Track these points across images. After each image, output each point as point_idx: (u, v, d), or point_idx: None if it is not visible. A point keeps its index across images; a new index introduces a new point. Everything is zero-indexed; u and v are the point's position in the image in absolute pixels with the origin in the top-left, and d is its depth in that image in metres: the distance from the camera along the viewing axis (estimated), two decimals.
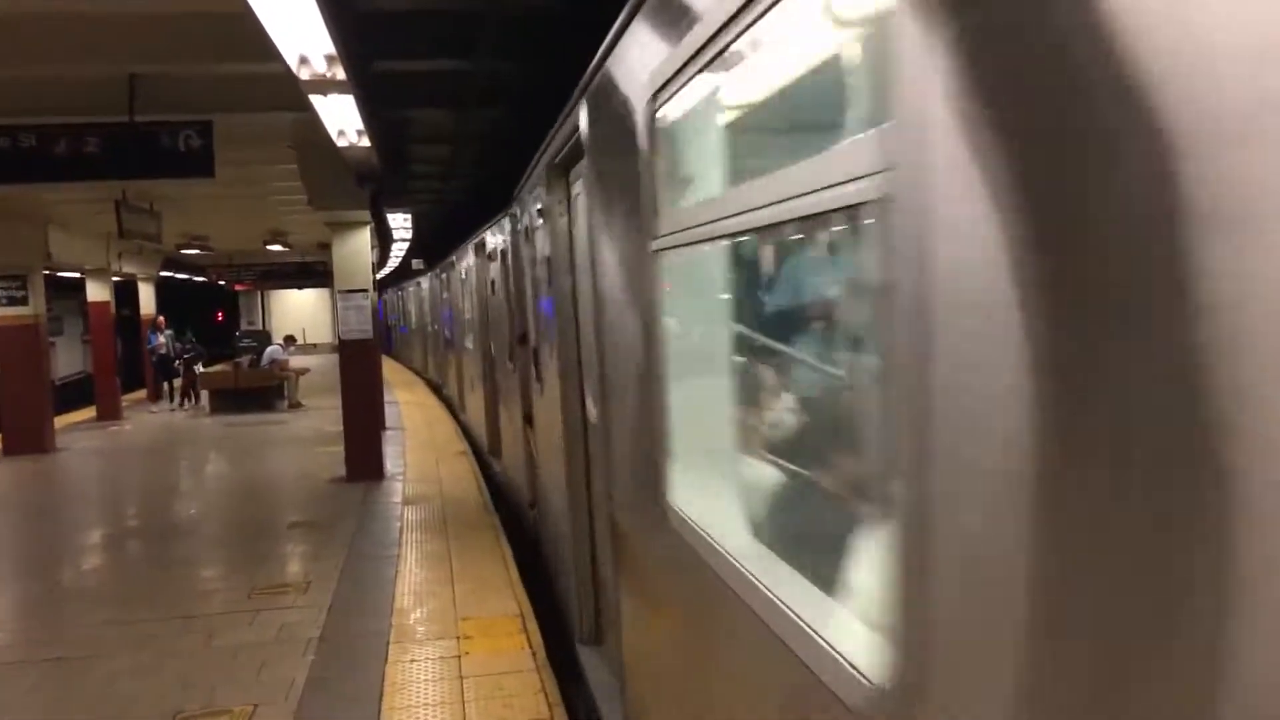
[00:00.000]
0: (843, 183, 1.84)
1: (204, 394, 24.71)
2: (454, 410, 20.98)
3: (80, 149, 10.57)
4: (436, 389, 26.29)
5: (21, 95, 10.52)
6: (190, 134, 10.45)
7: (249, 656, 6.86)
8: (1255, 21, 0.94)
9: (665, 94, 3.07)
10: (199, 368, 25.94)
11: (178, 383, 25.70)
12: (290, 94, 8.49)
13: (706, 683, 3.18)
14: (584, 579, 6.36)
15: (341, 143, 10.19)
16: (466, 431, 17.75)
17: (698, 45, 2.63)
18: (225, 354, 33.61)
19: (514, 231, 9.24)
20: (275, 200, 18.96)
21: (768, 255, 3.64)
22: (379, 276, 27.67)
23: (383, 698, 6.00)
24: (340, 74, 7.45)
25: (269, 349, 25.16)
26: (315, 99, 8.41)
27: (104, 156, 10.54)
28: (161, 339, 25.54)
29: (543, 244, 6.95)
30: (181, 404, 25.21)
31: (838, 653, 2.02)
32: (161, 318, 26.18)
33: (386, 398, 20.04)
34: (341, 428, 13.74)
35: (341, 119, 9.32)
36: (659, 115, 3.20)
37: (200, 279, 38.45)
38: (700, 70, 2.75)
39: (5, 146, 10.50)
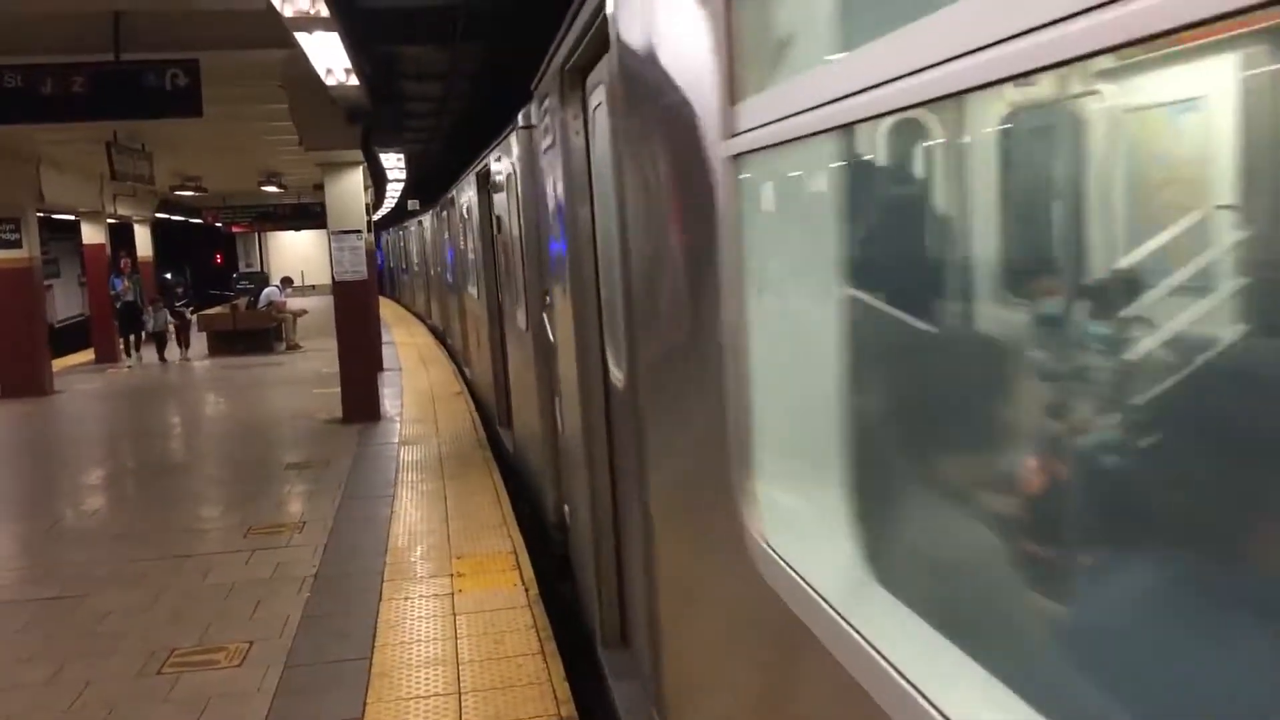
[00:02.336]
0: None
1: (194, 344, 23.34)
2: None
3: (67, 89, 10.46)
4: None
5: (6, 34, 10.38)
6: (177, 72, 10.32)
7: (244, 594, 6.92)
8: None
9: None
10: (189, 314, 24.32)
11: (171, 333, 22.98)
12: (277, 31, 8.38)
13: None
14: (607, 579, 5.33)
15: (330, 81, 10.07)
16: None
17: None
18: (224, 296, 33.46)
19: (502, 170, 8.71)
20: (268, 140, 18.80)
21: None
22: (375, 217, 27.52)
23: (376, 634, 6.06)
24: (324, 10, 7.34)
25: (266, 290, 25.06)
26: (300, 36, 8.30)
27: (91, 96, 10.43)
28: (126, 284, 22.54)
29: (552, 170, 5.87)
30: (161, 354, 22.38)
31: None
32: (126, 259, 23.83)
33: (384, 338, 20.05)
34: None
35: (328, 57, 9.20)
36: None
37: (196, 221, 38.23)
38: None
39: None
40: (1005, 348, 2.44)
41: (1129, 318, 1.99)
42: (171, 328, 23.16)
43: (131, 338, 22.72)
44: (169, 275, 24.75)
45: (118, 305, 22.60)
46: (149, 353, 22.73)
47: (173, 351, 22.99)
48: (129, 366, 21.76)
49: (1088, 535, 1.87)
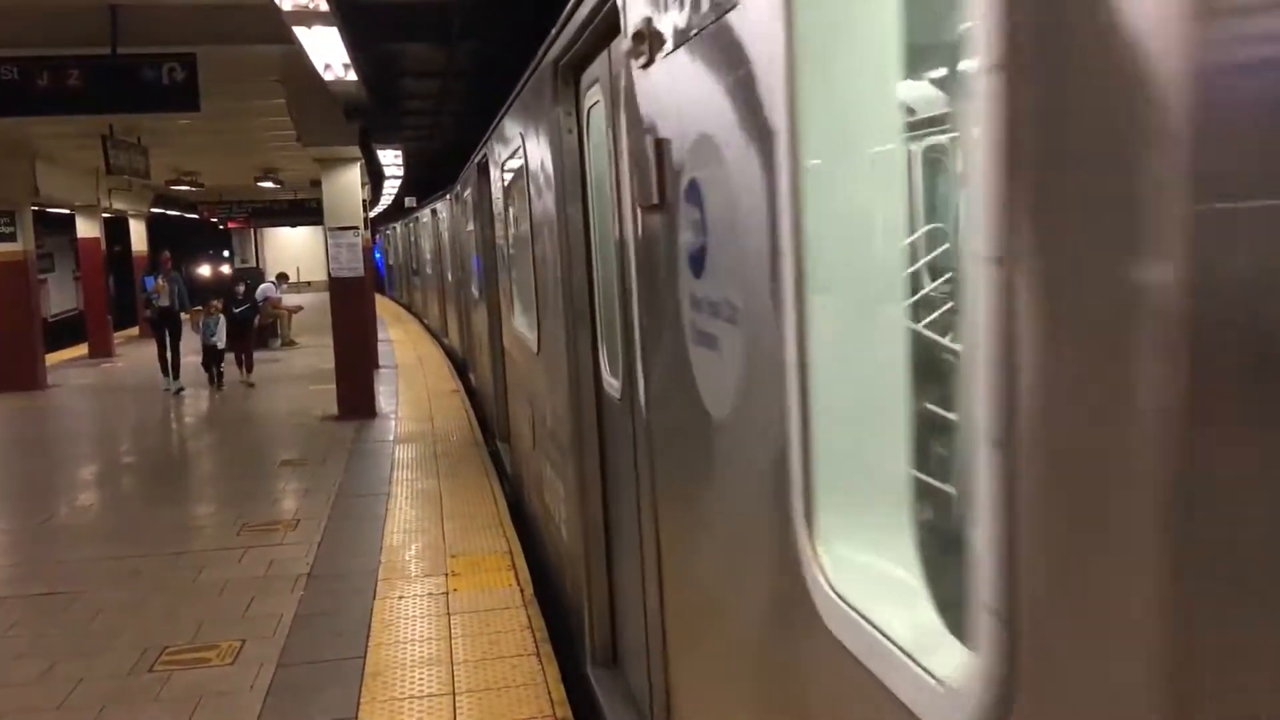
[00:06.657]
0: None
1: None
2: None
3: (63, 82, 10.42)
4: None
5: (2, 27, 10.33)
6: (174, 66, 10.29)
7: (237, 593, 6.88)
8: None
9: None
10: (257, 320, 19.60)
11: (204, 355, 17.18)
12: (276, 26, 8.33)
13: None
14: (599, 598, 5.07)
15: (328, 76, 10.03)
16: None
17: None
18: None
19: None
20: (266, 136, 18.74)
21: None
22: (372, 214, 27.47)
23: (370, 633, 6.02)
24: (323, 4, 7.30)
25: (261, 286, 24.92)
26: (299, 31, 8.25)
27: (87, 90, 10.39)
28: (160, 283, 17.15)
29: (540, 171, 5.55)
30: (214, 375, 17.12)
31: None
32: (166, 255, 18.35)
33: (380, 335, 19.99)
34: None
35: (327, 52, 9.17)
36: None
37: (192, 216, 38.14)
38: None
39: None
40: None
41: None
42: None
43: (166, 353, 17.01)
44: (177, 274, 17.54)
45: (148, 312, 18.08)
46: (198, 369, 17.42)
47: (226, 370, 17.45)
48: (167, 389, 16.84)
49: None
